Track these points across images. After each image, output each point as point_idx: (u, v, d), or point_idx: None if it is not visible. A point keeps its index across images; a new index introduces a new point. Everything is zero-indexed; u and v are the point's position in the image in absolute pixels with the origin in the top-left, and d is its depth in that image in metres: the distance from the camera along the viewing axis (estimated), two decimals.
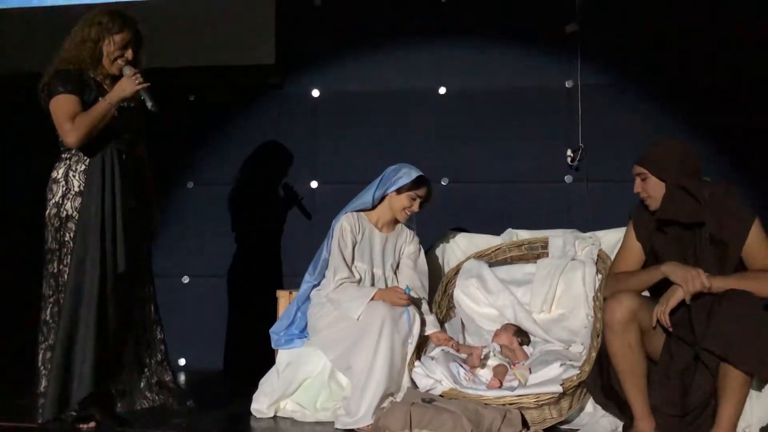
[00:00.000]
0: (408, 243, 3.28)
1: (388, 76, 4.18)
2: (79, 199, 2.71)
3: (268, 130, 4.26)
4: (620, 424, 2.64)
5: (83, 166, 2.74)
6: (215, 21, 4.24)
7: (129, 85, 2.70)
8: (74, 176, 2.73)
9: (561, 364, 2.74)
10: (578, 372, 2.70)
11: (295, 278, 3.40)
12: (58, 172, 2.76)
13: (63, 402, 2.63)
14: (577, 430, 2.73)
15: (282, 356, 3.12)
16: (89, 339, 2.64)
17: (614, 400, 2.62)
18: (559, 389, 2.63)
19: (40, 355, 2.73)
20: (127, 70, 2.75)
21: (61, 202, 2.73)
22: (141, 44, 2.86)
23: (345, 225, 3.16)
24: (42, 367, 2.72)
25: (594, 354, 2.72)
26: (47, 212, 2.76)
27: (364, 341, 2.83)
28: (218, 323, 4.17)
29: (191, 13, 4.26)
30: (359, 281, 3.12)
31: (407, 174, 3.15)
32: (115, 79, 2.79)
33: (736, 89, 3.85)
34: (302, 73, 4.27)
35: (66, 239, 2.71)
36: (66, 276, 2.69)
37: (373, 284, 3.16)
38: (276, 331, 3.21)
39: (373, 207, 3.23)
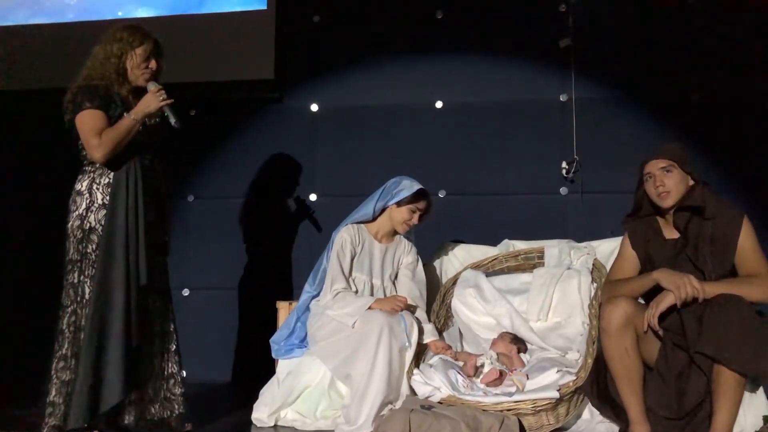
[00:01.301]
0: (406, 254, 3.32)
1: (386, 90, 4.25)
2: (102, 212, 2.74)
3: (268, 144, 4.31)
4: (616, 430, 2.68)
5: (107, 180, 2.77)
6: (215, 37, 4.31)
7: (153, 101, 2.76)
8: (98, 189, 2.76)
9: (557, 371, 2.77)
10: (574, 378, 2.73)
11: (295, 290, 3.43)
12: (82, 185, 2.78)
13: (93, 409, 2.64)
14: None
15: (282, 366, 3.15)
16: (117, 348, 2.67)
17: (609, 404, 2.66)
18: (556, 395, 2.65)
19: (53, 364, 2.74)
20: (152, 86, 2.81)
21: (84, 214, 2.74)
22: (162, 54, 2.92)
23: (345, 236, 3.20)
24: (54, 376, 2.72)
25: (590, 361, 2.75)
26: (70, 224, 2.77)
27: (362, 350, 2.86)
28: (218, 335, 4.20)
29: (191, 29, 4.34)
30: (356, 293, 3.15)
31: (408, 187, 3.20)
32: (140, 95, 2.84)
33: (728, 103, 3.92)
34: (301, 88, 4.33)
35: (88, 251, 2.73)
36: (86, 287, 2.72)
37: (372, 295, 3.19)
38: (276, 341, 3.24)
39: (374, 219, 3.27)
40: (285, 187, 4.27)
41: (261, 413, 3.05)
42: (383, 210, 3.26)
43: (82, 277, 2.72)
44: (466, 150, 4.15)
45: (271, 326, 3.50)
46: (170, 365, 2.92)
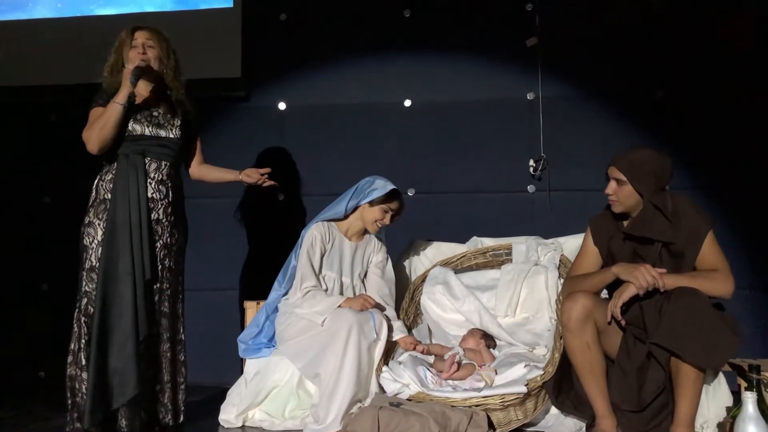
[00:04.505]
0: (376, 252, 3.31)
1: (354, 89, 4.24)
2: (102, 206, 2.81)
3: (234, 143, 4.25)
4: (584, 425, 2.69)
5: (110, 176, 2.84)
6: (181, 34, 4.22)
7: (124, 76, 2.80)
8: (102, 185, 2.85)
9: (525, 365, 2.78)
10: (542, 373, 2.74)
11: (263, 289, 3.40)
12: (93, 183, 2.89)
13: (106, 406, 2.66)
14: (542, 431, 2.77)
15: (250, 365, 3.12)
16: (126, 343, 2.69)
17: (571, 401, 2.68)
18: (524, 389, 2.67)
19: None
20: (129, 66, 2.84)
21: (88, 209, 2.84)
22: (150, 37, 2.94)
23: (315, 233, 3.18)
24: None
25: (557, 355, 2.77)
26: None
27: (331, 348, 2.84)
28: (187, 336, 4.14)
29: (157, 27, 4.26)
30: (326, 291, 3.13)
31: (382, 187, 3.19)
32: (159, 93, 2.95)
33: (692, 101, 3.98)
34: (268, 86, 4.30)
35: (85, 243, 2.81)
36: (83, 279, 2.77)
37: (341, 293, 3.18)
38: (243, 340, 3.20)
39: (345, 217, 3.26)
40: (251, 186, 4.21)
41: (228, 414, 3.02)
42: (355, 209, 3.24)
43: (82, 272, 2.79)
44: (435, 148, 4.16)
45: (240, 326, 3.45)
46: (178, 374, 2.95)
